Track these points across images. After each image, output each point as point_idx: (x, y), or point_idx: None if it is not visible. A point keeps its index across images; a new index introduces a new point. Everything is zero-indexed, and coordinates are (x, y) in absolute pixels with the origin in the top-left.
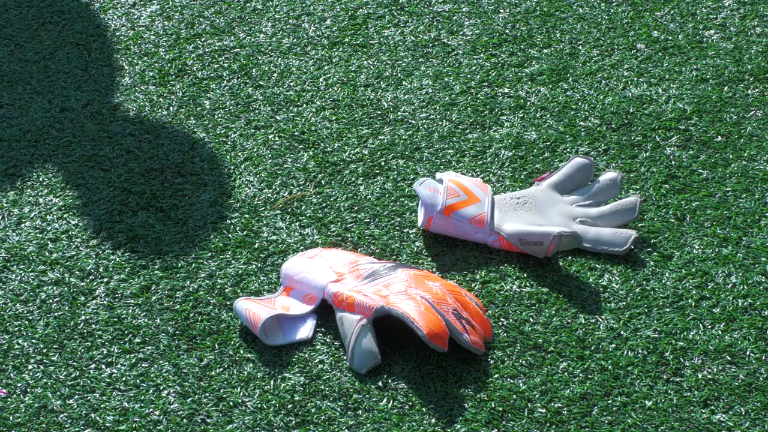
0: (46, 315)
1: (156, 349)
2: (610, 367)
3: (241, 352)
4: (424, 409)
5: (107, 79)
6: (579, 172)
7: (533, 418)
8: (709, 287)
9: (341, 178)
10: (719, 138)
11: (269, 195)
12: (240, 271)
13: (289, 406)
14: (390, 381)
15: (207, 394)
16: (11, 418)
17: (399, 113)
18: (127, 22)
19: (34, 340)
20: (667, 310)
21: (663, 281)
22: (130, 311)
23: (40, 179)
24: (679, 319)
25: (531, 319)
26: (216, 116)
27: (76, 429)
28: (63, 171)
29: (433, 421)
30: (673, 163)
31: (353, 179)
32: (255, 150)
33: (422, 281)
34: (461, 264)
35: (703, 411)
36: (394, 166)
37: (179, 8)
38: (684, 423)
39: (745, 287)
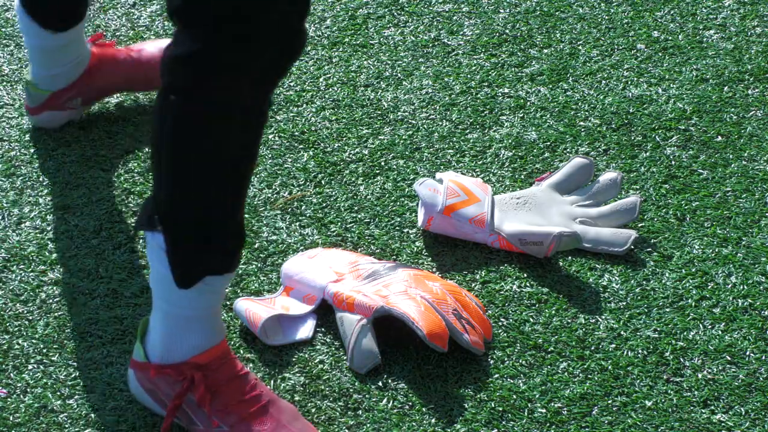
0: (46, 315)
1: None
2: (610, 367)
3: (241, 352)
4: (424, 409)
5: None
6: (579, 172)
7: (533, 418)
8: (709, 287)
9: (341, 178)
10: (719, 138)
11: (269, 195)
12: (240, 271)
13: None
14: (390, 381)
15: None
16: (11, 418)
17: (399, 113)
18: (127, 22)
19: (34, 340)
20: (667, 310)
21: (663, 281)
22: (130, 311)
23: (40, 179)
24: (679, 319)
25: (531, 319)
26: None
27: (76, 429)
28: (63, 171)
29: (433, 421)
30: (673, 163)
31: (353, 179)
32: None
33: (422, 281)
34: (461, 264)
35: (703, 411)
36: (394, 166)
37: None
38: (684, 423)
39: (745, 287)
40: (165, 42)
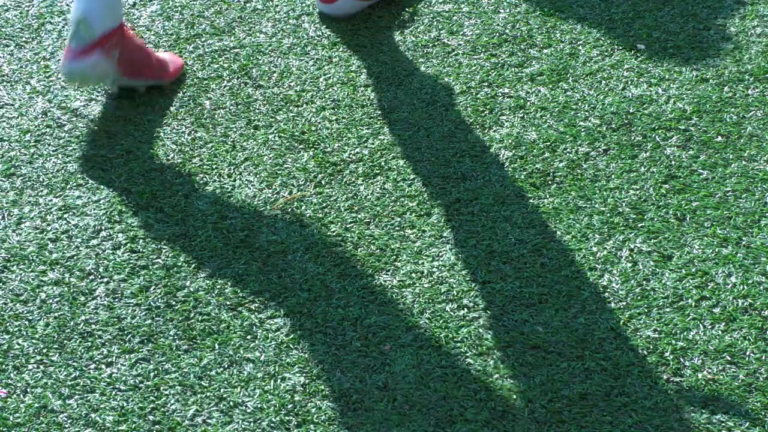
0: (46, 315)
1: (156, 349)
2: (610, 367)
3: (241, 352)
4: (424, 409)
5: None
6: None
7: (533, 418)
8: (709, 287)
9: (341, 178)
10: (719, 138)
11: (269, 195)
12: (240, 271)
13: (289, 406)
14: (390, 381)
15: (207, 394)
16: (11, 418)
17: (399, 113)
18: (127, 22)
19: (34, 340)
20: (667, 310)
21: (663, 281)
22: (130, 311)
23: (40, 179)
24: (679, 319)
25: (531, 319)
26: (216, 116)
27: (76, 429)
28: (63, 171)
29: (433, 421)
30: (673, 163)
31: (353, 179)
32: (255, 150)
33: None
34: (461, 264)
35: (703, 411)
36: (394, 166)
37: (179, 8)
38: (684, 423)
39: (745, 287)
40: (172, 56)
